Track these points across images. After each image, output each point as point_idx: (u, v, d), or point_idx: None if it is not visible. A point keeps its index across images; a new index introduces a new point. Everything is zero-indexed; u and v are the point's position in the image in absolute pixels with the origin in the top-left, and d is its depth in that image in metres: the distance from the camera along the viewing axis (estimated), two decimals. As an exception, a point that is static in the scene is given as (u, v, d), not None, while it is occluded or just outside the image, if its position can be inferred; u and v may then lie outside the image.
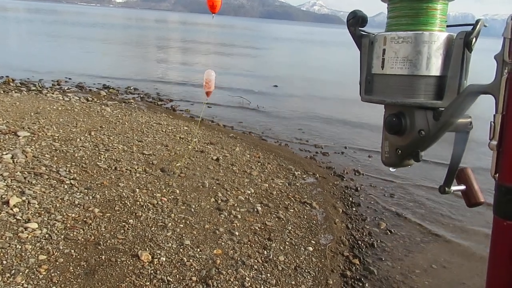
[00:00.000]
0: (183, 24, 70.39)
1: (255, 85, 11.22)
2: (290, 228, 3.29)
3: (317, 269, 2.81)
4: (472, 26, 0.58)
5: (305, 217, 3.54)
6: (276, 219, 3.41)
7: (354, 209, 4.00)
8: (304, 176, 4.55)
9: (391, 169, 0.72)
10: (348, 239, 3.37)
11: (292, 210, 3.61)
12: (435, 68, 0.60)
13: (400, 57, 0.61)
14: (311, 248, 3.04)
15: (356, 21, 0.68)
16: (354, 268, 2.98)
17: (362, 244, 3.34)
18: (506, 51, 0.49)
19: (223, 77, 12.80)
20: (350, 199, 4.21)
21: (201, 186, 3.83)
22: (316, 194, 4.09)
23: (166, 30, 47.50)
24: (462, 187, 0.63)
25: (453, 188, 0.62)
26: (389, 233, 3.59)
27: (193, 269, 2.58)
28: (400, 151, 0.66)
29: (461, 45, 0.59)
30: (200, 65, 15.49)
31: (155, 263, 2.58)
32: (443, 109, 0.60)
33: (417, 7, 0.60)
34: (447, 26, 0.63)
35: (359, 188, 4.52)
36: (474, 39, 0.57)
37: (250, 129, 6.72)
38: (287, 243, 3.06)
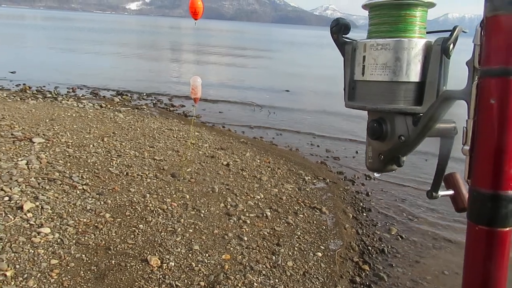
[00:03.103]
0: (196, 30, 71.05)
1: (266, 90, 11.25)
2: (299, 233, 3.28)
3: (325, 275, 2.80)
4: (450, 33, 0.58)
5: (315, 222, 3.53)
6: (285, 224, 3.41)
7: (364, 214, 3.97)
8: (315, 181, 4.54)
9: (375, 174, 0.73)
10: (358, 244, 3.35)
11: (302, 215, 3.61)
12: (414, 74, 0.61)
13: (380, 64, 0.62)
14: (320, 254, 3.03)
15: (339, 28, 0.69)
16: (363, 274, 2.96)
17: (372, 250, 3.31)
18: (476, 58, 0.50)
19: (235, 82, 12.89)
20: (361, 204, 4.19)
21: (211, 191, 3.85)
22: (326, 199, 4.07)
23: (179, 36, 48.01)
24: (451, 192, 0.63)
25: (441, 193, 0.63)
26: (400, 239, 3.55)
27: (201, 274, 2.59)
28: (382, 156, 0.67)
29: (438, 51, 0.59)
30: (212, 70, 15.61)
31: (164, 268, 2.61)
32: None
33: (395, 15, 0.61)
34: (428, 32, 0.64)
35: (370, 193, 4.49)
36: (451, 45, 0.57)
37: (260, 134, 6.74)
38: (295, 248, 3.06)
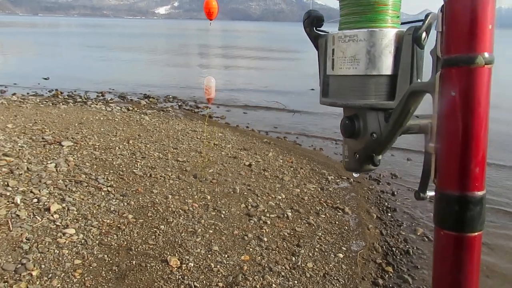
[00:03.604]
0: (224, 32, 71.63)
1: (291, 89, 11.19)
2: (320, 234, 3.24)
3: (347, 276, 2.75)
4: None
5: (337, 223, 3.47)
6: (306, 224, 3.37)
7: (389, 214, 3.87)
8: (338, 180, 4.47)
9: (354, 174, 0.69)
10: (381, 245, 3.26)
11: (324, 216, 3.56)
12: (385, 66, 0.57)
13: (348, 57, 0.59)
14: (341, 255, 2.98)
15: (311, 21, 0.66)
16: (387, 276, 2.88)
17: (397, 251, 3.22)
18: (438, 46, 0.46)
19: (260, 82, 12.88)
20: (386, 204, 4.08)
21: (232, 192, 3.86)
22: (349, 199, 4.00)
23: (206, 38, 48.52)
24: None
25: (429, 193, 0.59)
26: (426, 240, 3.44)
27: (220, 275, 2.60)
28: (358, 155, 0.64)
29: (410, 41, 0.55)
30: (238, 70, 15.68)
31: (183, 268, 2.63)
32: None
33: (363, 3, 0.57)
34: (403, 23, 0.60)
35: (395, 193, 4.37)
36: (423, 34, 0.53)
37: (284, 134, 6.70)
38: (316, 249, 3.01)
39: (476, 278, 0.45)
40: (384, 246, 3.26)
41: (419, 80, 0.57)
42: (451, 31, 0.44)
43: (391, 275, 2.90)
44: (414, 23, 0.56)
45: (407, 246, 3.30)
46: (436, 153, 0.46)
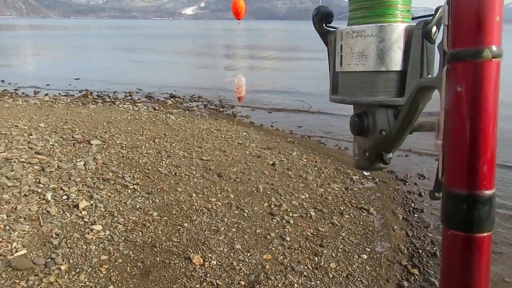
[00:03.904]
0: (249, 31, 71.80)
1: (316, 88, 11.09)
2: (344, 234, 3.20)
3: (370, 278, 2.70)
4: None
5: (361, 223, 3.42)
6: (330, 225, 3.34)
7: (416, 215, 3.78)
8: (363, 180, 4.40)
9: (364, 172, 0.68)
10: (407, 247, 3.19)
11: (348, 216, 3.51)
12: (394, 62, 0.55)
13: (356, 53, 0.57)
14: (365, 256, 2.93)
15: (320, 17, 0.64)
16: (412, 278, 2.82)
17: (423, 253, 3.14)
18: (445, 40, 0.44)
19: (285, 80, 12.85)
20: (412, 204, 3.99)
21: (255, 191, 3.87)
22: (375, 200, 3.93)
23: (232, 37, 48.78)
24: None
25: None
26: (454, 242, 3.34)
27: (242, 273, 2.61)
28: (367, 154, 0.63)
29: (419, 36, 0.53)
30: (264, 71, 15.69)
31: (206, 266, 2.65)
32: None
33: None
34: (413, 18, 0.58)
35: (423, 193, 4.27)
36: (434, 29, 0.50)
37: (309, 133, 6.66)
38: (339, 250, 2.98)
39: (485, 280, 0.43)
40: (410, 248, 3.19)
41: (429, 76, 0.55)
42: (457, 23, 0.42)
43: (417, 277, 2.83)
44: (426, 17, 0.54)
45: (434, 248, 3.21)
46: (443, 150, 0.44)
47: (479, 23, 0.40)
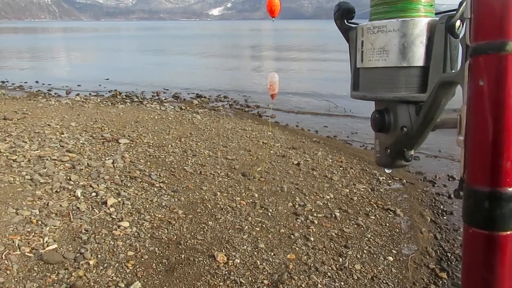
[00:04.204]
0: (275, 31, 71.74)
1: (343, 88, 10.96)
2: (369, 235, 3.15)
3: (396, 280, 2.65)
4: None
5: (387, 225, 3.35)
6: (355, 225, 3.29)
7: (445, 218, 3.68)
8: (390, 181, 4.32)
9: (386, 170, 0.67)
10: (435, 250, 3.11)
11: (373, 217, 3.45)
12: (416, 58, 0.54)
13: (377, 48, 0.57)
14: (391, 258, 2.87)
15: (341, 13, 0.64)
16: (440, 282, 2.74)
17: (452, 257, 3.05)
18: (467, 34, 0.43)
19: (311, 80, 12.77)
20: (441, 207, 3.88)
21: (279, 191, 3.86)
22: (402, 201, 3.85)
23: (258, 37, 48.90)
24: None
25: None
26: (485, 246, 3.23)
27: (266, 272, 2.61)
28: (389, 150, 0.61)
29: (442, 31, 0.52)
30: (289, 72, 15.64)
31: (230, 264, 2.67)
32: None
33: None
34: (437, 13, 0.56)
35: (452, 195, 4.14)
36: (458, 23, 0.49)
37: (335, 133, 6.59)
38: (364, 251, 2.93)
39: (509, 280, 0.42)
40: (438, 251, 3.10)
41: (453, 71, 0.54)
42: (479, 16, 0.41)
43: (445, 281, 2.75)
44: (450, 11, 0.53)
45: (463, 252, 3.11)
46: (465, 146, 0.43)
47: (503, 15, 0.39)
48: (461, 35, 0.47)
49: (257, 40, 42.53)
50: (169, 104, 8.27)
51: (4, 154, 4.31)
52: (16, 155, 4.30)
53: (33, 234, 2.85)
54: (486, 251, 0.42)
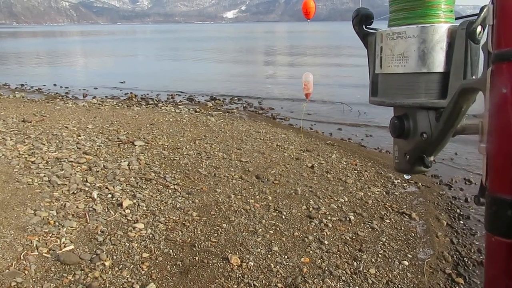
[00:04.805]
0: (290, 33, 71.68)
1: (357, 91, 10.89)
2: (384, 239, 3.11)
3: (412, 285, 2.61)
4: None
5: (402, 228, 3.32)
6: (370, 229, 3.26)
7: (461, 222, 3.62)
8: (405, 184, 4.27)
9: (405, 176, 0.67)
10: (452, 255, 3.06)
11: (388, 221, 3.42)
12: (436, 64, 0.54)
13: (396, 54, 0.57)
14: (406, 263, 2.84)
15: (360, 19, 0.64)
16: (457, 287, 2.70)
17: (469, 262, 3.00)
18: (489, 40, 0.42)
19: (326, 86, 12.71)
20: (458, 211, 3.82)
21: (293, 193, 3.85)
22: (417, 204, 3.80)
23: (273, 40, 48.92)
24: None
25: None
26: (504, 251, 3.16)
27: (279, 275, 2.61)
28: (408, 156, 0.61)
29: (463, 36, 0.52)
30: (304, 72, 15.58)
31: (244, 267, 2.67)
32: None
33: None
34: (457, 18, 0.56)
35: (469, 199, 4.07)
36: (479, 28, 0.49)
37: (349, 135, 6.55)
38: (379, 255, 2.90)
39: None
40: (455, 256, 3.05)
41: (474, 77, 0.53)
42: (502, 23, 0.40)
43: (462, 287, 2.71)
44: (470, 17, 0.53)
45: (481, 257, 3.06)
46: (488, 154, 0.43)
47: None
48: (482, 41, 0.47)
49: (272, 42, 42.54)
50: (184, 106, 8.33)
51: (23, 156, 4.41)
52: (34, 157, 4.39)
53: (50, 235, 2.91)
54: (509, 260, 0.41)
